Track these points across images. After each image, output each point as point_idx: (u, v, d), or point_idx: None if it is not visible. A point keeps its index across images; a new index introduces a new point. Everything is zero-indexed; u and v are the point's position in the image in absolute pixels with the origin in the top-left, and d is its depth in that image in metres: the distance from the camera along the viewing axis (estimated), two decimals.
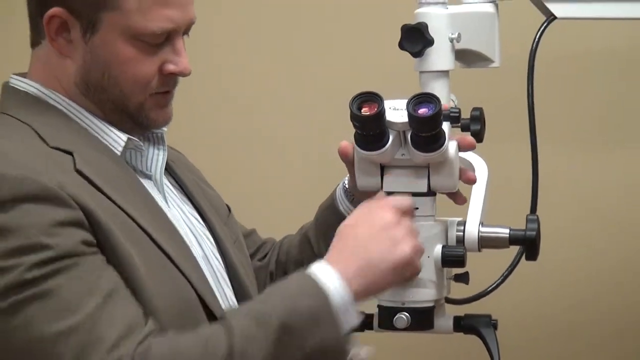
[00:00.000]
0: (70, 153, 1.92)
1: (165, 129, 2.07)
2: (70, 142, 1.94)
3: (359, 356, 1.93)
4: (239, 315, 1.85)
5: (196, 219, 2.12)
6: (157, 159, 2.06)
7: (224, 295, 2.07)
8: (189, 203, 2.13)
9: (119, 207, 1.90)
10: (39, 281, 1.79)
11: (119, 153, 1.99)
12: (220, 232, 2.13)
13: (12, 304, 1.79)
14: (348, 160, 2.09)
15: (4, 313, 1.80)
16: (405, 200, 1.95)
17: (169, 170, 2.12)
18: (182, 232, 2.02)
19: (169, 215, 2.01)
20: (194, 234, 2.07)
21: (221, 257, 2.11)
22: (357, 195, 2.17)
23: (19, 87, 2.00)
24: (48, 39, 1.97)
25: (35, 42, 2.00)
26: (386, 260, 1.89)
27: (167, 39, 1.97)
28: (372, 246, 1.89)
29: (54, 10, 1.95)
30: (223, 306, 2.02)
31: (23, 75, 2.01)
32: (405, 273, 1.91)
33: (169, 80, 1.99)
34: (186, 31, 2.00)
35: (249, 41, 3.08)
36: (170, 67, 1.97)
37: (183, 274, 1.93)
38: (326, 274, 1.86)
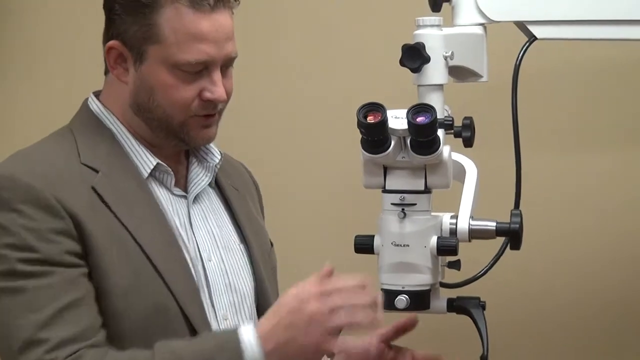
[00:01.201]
0: (96, 170, 1.97)
1: (217, 158, 2.10)
2: (102, 161, 1.99)
3: None
4: (166, 352, 1.86)
5: (235, 240, 2.12)
6: (199, 181, 2.09)
7: (235, 308, 2.07)
8: (234, 226, 2.14)
9: (119, 219, 1.94)
10: (20, 277, 1.87)
11: (145, 174, 2.02)
12: (257, 255, 2.13)
13: (11, 291, 1.88)
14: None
15: None
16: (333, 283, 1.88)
17: (223, 193, 2.15)
18: (201, 246, 2.05)
19: (187, 231, 2.04)
20: (219, 250, 2.08)
21: (252, 275, 2.12)
22: None
23: (89, 105, 2.07)
24: (109, 67, 2.02)
25: (106, 70, 2.05)
26: (294, 343, 1.84)
27: (205, 69, 1.99)
28: (286, 333, 1.85)
29: (112, 42, 2.00)
30: (222, 319, 2.03)
31: (98, 93, 2.07)
32: (309, 354, 1.86)
33: (207, 105, 2.01)
34: (226, 64, 2.02)
35: (267, 60, 3.07)
36: (207, 95, 2.00)
37: (168, 287, 1.94)
38: (248, 335, 1.85)
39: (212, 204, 2.11)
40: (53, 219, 1.89)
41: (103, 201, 1.93)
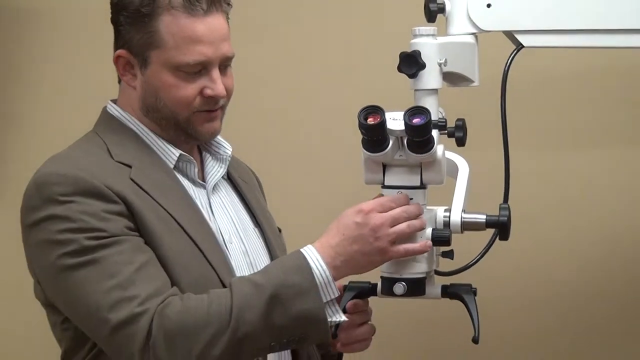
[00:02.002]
0: (129, 166, 2.01)
1: (229, 151, 2.14)
2: (132, 157, 2.04)
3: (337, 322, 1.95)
4: (242, 283, 1.91)
5: (250, 224, 2.17)
6: (214, 172, 2.13)
7: None
8: (247, 212, 2.18)
9: (160, 205, 1.98)
10: (90, 251, 1.89)
11: (171, 165, 2.06)
12: (271, 237, 2.18)
13: (69, 266, 1.90)
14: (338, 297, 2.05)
15: (61, 273, 1.90)
16: (388, 200, 1.98)
17: (235, 184, 2.18)
18: (223, 230, 2.08)
19: (209, 216, 2.07)
20: (239, 233, 2.12)
21: (268, 255, 2.15)
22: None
23: (109, 111, 2.11)
24: (119, 75, 2.06)
25: (119, 79, 2.09)
26: (362, 253, 1.93)
27: (205, 68, 2.03)
28: (355, 245, 1.93)
29: (119, 51, 2.06)
30: None
31: (115, 101, 2.11)
32: (377, 260, 1.96)
33: (209, 101, 2.05)
34: (223, 63, 2.06)
35: (272, 64, 3.08)
36: (208, 92, 2.04)
37: (207, 260, 1.99)
38: (314, 256, 1.92)
39: (228, 193, 2.16)
40: (107, 203, 1.93)
41: (143, 189, 1.98)
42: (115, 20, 2.07)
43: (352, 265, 1.94)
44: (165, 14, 2.00)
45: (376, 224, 1.94)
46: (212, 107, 2.06)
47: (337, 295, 1.93)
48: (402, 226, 1.96)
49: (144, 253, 1.93)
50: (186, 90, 2.03)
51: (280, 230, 2.29)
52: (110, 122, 2.10)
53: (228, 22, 2.09)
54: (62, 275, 1.92)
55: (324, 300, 1.91)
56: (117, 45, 2.07)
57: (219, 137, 2.16)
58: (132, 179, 1.99)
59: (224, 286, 1.98)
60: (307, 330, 1.91)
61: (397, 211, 1.97)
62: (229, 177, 2.20)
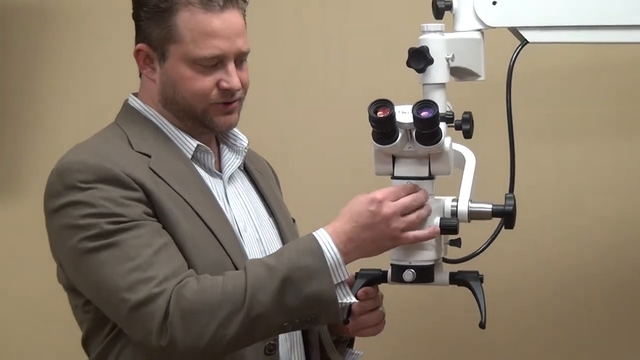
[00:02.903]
0: (148, 156, 2.03)
1: (245, 143, 2.15)
2: (151, 147, 2.05)
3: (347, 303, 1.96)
4: (256, 265, 1.93)
5: (265, 214, 2.18)
6: (231, 163, 2.15)
7: None
8: (262, 202, 2.19)
9: (177, 193, 2.00)
10: (110, 235, 1.91)
11: (189, 155, 2.08)
12: (285, 227, 2.19)
13: (90, 249, 1.92)
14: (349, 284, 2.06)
15: (82, 256, 1.93)
16: (399, 189, 1.99)
17: (251, 175, 2.20)
18: (238, 218, 2.10)
19: (225, 205, 2.09)
20: (254, 222, 2.14)
21: (282, 244, 2.16)
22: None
23: (130, 104, 2.13)
24: (139, 68, 2.07)
25: (140, 72, 2.11)
26: (373, 240, 1.96)
27: (221, 62, 2.04)
28: (367, 232, 1.95)
29: (139, 45, 2.07)
30: None
31: (136, 94, 2.12)
32: (388, 245, 1.98)
33: (225, 94, 2.06)
34: (238, 57, 2.07)
35: (287, 64, 3.10)
36: (224, 84, 2.05)
37: (222, 246, 2.01)
38: (325, 240, 1.93)
39: (244, 184, 2.17)
40: (126, 190, 1.95)
41: (161, 178, 2.00)
42: (136, 16, 2.09)
43: (362, 251, 1.96)
44: (183, 10, 2.02)
45: (388, 213, 1.95)
46: (228, 99, 2.07)
47: (347, 277, 1.95)
48: (412, 216, 1.98)
49: (162, 237, 1.95)
50: (203, 83, 2.04)
51: (294, 221, 2.30)
52: (131, 114, 2.12)
53: (244, 18, 2.10)
54: (84, 258, 1.94)
55: (335, 282, 1.92)
56: (138, 39, 2.09)
57: (235, 129, 2.17)
58: (151, 168, 2.01)
59: (235, 267, 2.00)
60: (318, 311, 1.92)
61: (407, 199, 1.98)
62: (245, 169, 2.22)
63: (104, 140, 2.07)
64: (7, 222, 3.23)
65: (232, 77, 2.05)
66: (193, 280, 1.92)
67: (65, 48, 3.20)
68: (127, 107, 2.14)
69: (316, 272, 1.91)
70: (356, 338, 2.27)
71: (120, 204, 1.94)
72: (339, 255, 1.93)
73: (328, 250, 1.93)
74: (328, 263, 1.92)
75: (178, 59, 2.04)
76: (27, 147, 3.19)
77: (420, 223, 1.99)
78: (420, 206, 2.00)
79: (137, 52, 2.09)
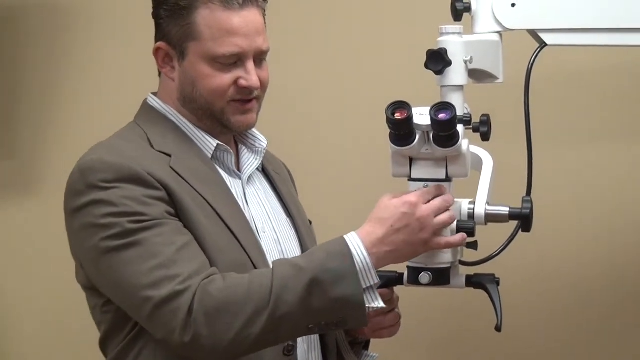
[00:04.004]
0: (169, 155, 2.02)
1: (264, 144, 2.15)
2: (172, 146, 2.04)
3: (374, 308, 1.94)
4: (284, 265, 1.91)
5: (283, 215, 2.17)
6: (250, 164, 2.14)
7: None
8: (280, 203, 2.18)
9: (198, 192, 1.99)
10: (132, 234, 1.90)
11: (209, 155, 2.07)
12: (302, 228, 2.18)
13: (112, 248, 1.91)
14: None
15: (104, 255, 1.91)
16: (428, 192, 1.98)
17: (269, 176, 2.19)
18: (256, 218, 2.09)
19: (244, 205, 2.08)
20: (272, 222, 2.13)
21: (299, 244, 2.16)
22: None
23: (150, 103, 2.12)
24: (158, 67, 2.07)
25: (159, 71, 2.10)
26: (407, 243, 1.94)
27: (240, 60, 2.04)
28: (401, 235, 1.93)
29: (159, 44, 2.07)
30: None
31: (155, 94, 2.11)
32: (420, 250, 1.96)
33: (243, 91, 2.05)
34: (258, 56, 2.06)
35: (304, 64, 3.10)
36: (242, 82, 2.04)
37: (241, 245, 2.00)
38: (355, 243, 1.91)
39: (262, 184, 2.17)
40: (148, 189, 1.94)
41: (182, 178, 1.98)
42: (155, 14, 2.08)
43: (395, 255, 1.94)
44: (202, 7, 2.02)
45: (423, 215, 1.94)
46: (246, 96, 2.06)
47: (376, 282, 1.92)
48: (445, 217, 1.96)
49: (184, 235, 1.94)
50: (222, 80, 2.03)
51: (310, 222, 2.29)
52: (150, 113, 2.11)
53: (264, 18, 2.09)
54: (106, 257, 1.92)
55: (363, 287, 1.90)
56: (157, 38, 2.08)
57: (254, 130, 2.16)
58: (171, 167, 2.00)
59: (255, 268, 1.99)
60: (345, 314, 1.90)
61: (438, 201, 1.96)
62: (263, 170, 2.21)
63: (125, 140, 2.06)
64: (26, 222, 3.23)
65: (251, 75, 2.04)
66: (219, 277, 1.91)
67: (84, 48, 3.21)
68: (146, 107, 2.13)
69: (344, 275, 1.89)
70: (372, 340, 2.25)
71: (142, 203, 1.93)
72: (368, 260, 1.91)
73: (358, 254, 1.91)
74: (357, 267, 1.90)
75: (197, 56, 2.04)
76: (45, 147, 3.20)
77: (451, 224, 1.98)
78: (449, 208, 1.98)
79: (156, 51, 2.08)
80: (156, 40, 2.09)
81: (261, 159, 2.17)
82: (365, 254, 1.91)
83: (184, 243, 1.93)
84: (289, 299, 1.87)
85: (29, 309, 3.26)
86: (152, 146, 2.04)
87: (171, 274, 1.89)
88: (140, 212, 1.92)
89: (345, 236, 1.94)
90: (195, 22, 2.02)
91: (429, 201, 1.96)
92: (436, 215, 1.95)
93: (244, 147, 2.17)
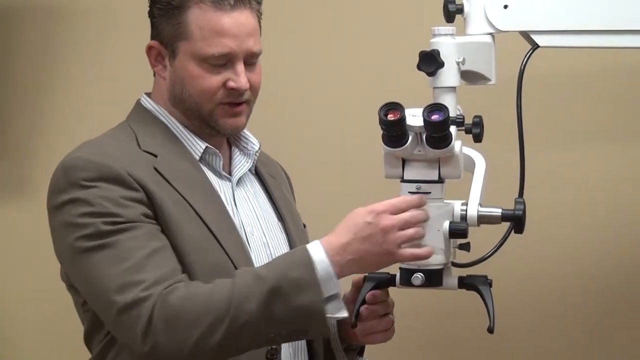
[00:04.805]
0: (155, 155, 2.01)
1: (256, 147, 2.13)
2: (159, 147, 2.04)
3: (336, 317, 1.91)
4: (246, 273, 1.89)
5: (274, 218, 2.15)
6: (241, 166, 2.12)
7: None
8: (272, 207, 2.16)
9: (179, 193, 1.97)
10: (106, 235, 1.89)
11: (197, 157, 2.05)
12: (293, 232, 2.16)
13: (85, 248, 1.90)
14: (357, 288, 2.09)
15: (77, 255, 1.91)
16: (400, 202, 1.95)
17: (262, 179, 2.17)
18: (245, 221, 2.07)
19: (232, 208, 2.06)
20: (261, 225, 2.11)
21: (289, 248, 2.13)
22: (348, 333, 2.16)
23: (142, 103, 2.12)
24: (151, 65, 2.06)
25: (154, 71, 2.09)
26: (370, 253, 1.91)
27: (230, 61, 2.02)
28: (365, 245, 1.90)
29: (151, 42, 2.07)
30: None
31: (149, 94, 2.11)
32: (385, 260, 1.93)
33: (232, 93, 2.03)
34: (248, 58, 2.05)
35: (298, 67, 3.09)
36: (231, 84, 2.03)
37: (223, 248, 1.98)
38: (318, 251, 1.89)
39: (254, 187, 2.15)
40: (127, 190, 1.93)
41: (164, 179, 1.97)
42: (150, 13, 2.08)
43: (359, 265, 1.91)
44: (194, 7, 2.01)
45: (387, 225, 1.91)
46: (235, 99, 2.05)
47: (339, 291, 1.90)
48: (410, 231, 1.93)
49: (157, 240, 1.92)
50: (210, 81, 2.02)
51: (304, 226, 2.27)
52: (143, 113, 2.10)
53: (259, 20, 2.08)
54: (78, 257, 1.92)
55: (325, 296, 1.87)
56: (151, 37, 2.08)
57: (247, 132, 2.15)
58: (155, 168, 1.99)
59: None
60: (306, 323, 1.88)
61: (407, 215, 1.93)
62: (256, 172, 2.20)
63: (112, 139, 2.06)
64: (20, 223, 3.21)
65: (240, 77, 2.03)
66: (182, 286, 1.89)
67: (78, 48, 3.20)
68: (138, 107, 2.12)
69: (305, 284, 1.86)
70: (367, 347, 2.23)
71: (119, 204, 1.92)
72: (330, 268, 1.88)
73: (319, 263, 1.88)
74: (318, 275, 1.87)
75: (187, 56, 2.03)
76: (38, 148, 3.19)
77: (418, 240, 1.95)
78: (420, 222, 1.95)
79: (149, 49, 2.08)
80: (150, 39, 2.08)
81: (253, 162, 2.16)
82: (327, 262, 1.88)
83: (156, 248, 1.91)
84: (249, 308, 1.85)
85: (22, 308, 3.25)
86: (139, 146, 2.03)
87: (136, 280, 1.87)
88: (116, 213, 1.91)
89: (307, 245, 1.92)
90: (187, 22, 2.01)
91: (399, 212, 1.93)
92: (401, 229, 1.92)
93: (236, 150, 2.16)
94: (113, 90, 3.12)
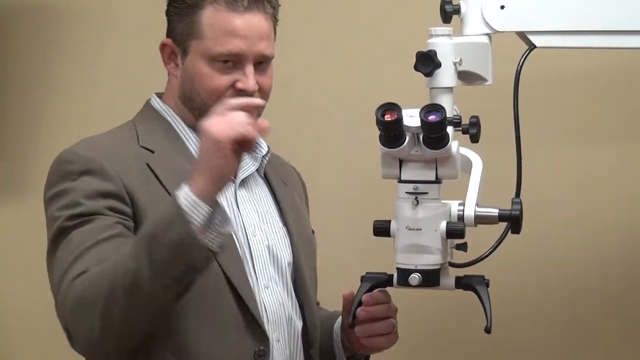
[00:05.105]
0: (152, 151, 2.01)
1: (264, 150, 2.12)
2: (158, 143, 2.04)
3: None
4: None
5: (279, 222, 2.14)
6: (247, 168, 2.11)
7: (275, 279, 2.08)
8: (278, 211, 2.15)
9: (168, 192, 1.95)
10: (68, 232, 1.91)
11: (196, 155, 2.03)
12: (296, 237, 2.14)
13: (49, 250, 1.95)
14: (348, 302, 2.08)
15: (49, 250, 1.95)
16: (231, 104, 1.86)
17: (270, 183, 2.16)
18: (247, 222, 2.06)
19: (233, 208, 2.06)
20: (264, 227, 2.10)
21: (291, 252, 2.12)
22: (349, 337, 2.16)
23: (151, 103, 2.12)
24: (164, 63, 2.07)
25: (167, 69, 2.11)
26: (217, 166, 1.81)
27: (240, 62, 2.03)
28: (206, 157, 1.82)
29: (165, 40, 2.10)
30: (263, 287, 2.04)
31: (160, 94, 2.12)
32: (225, 149, 1.80)
33: (240, 94, 2.02)
34: (258, 60, 2.04)
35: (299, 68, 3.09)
36: (239, 85, 2.03)
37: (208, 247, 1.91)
38: (181, 189, 1.82)
39: (261, 191, 2.14)
40: (105, 182, 1.93)
41: (156, 177, 1.97)
42: (167, 12, 2.10)
43: (212, 174, 1.81)
44: (208, 7, 2.03)
45: (216, 132, 1.81)
46: None
47: (208, 211, 1.80)
48: (239, 129, 1.81)
49: (110, 230, 1.91)
50: (219, 81, 2.03)
51: (313, 232, 2.26)
52: (148, 112, 2.11)
53: (274, 24, 2.09)
54: (47, 256, 1.97)
55: (197, 222, 1.79)
56: (166, 35, 2.10)
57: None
58: (148, 164, 1.99)
59: (225, 275, 1.96)
60: (188, 257, 1.80)
61: (232, 115, 1.83)
62: (267, 177, 2.19)
63: (110, 135, 2.08)
64: (17, 223, 3.21)
65: (248, 79, 2.03)
66: (86, 273, 1.87)
67: (75, 49, 3.19)
68: (147, 106, 2.14)
69: (172, 218, 1.79)
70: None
71: (88, 196, 1.93)
72: (190, 193, 1.80)
73: (181, 194, 1.81)
74: (183, 205, 1.79)
75: (198, 55, 2.04)
76: (36, 148, 3.19)
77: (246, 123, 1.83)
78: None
79: (162, 47, 2.10)
80: (166, 37, 2.10)
81: (258, 165, 2.15)
82: (187, 189, 1.81)
83: (102, 238, 1.90)
84: (133, 265, 1.81)
85: (21, 308, 3.25)
86: (139, 142, 2.03)
87: (70, 269, 1.89)
88: (82, 203, 1.92)
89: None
90: (200, 21, 2.03)
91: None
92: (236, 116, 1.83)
93: (246, 152, 2.15)
94: (113, 90, 3.12)
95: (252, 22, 2.03)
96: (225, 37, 2.01)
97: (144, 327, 1.88)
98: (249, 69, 2.03)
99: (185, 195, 1.80)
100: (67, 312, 1.87)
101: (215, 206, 1.82)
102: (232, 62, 2.03)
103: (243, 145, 1.82)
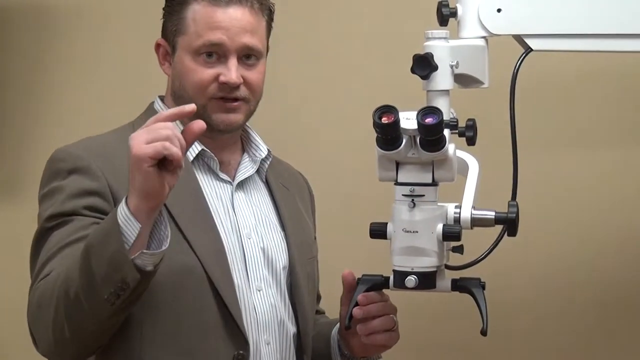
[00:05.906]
0: None
1: (263, 154, 2.12)
2: None
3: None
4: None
5: (277, 226, 2.13)
6: (245, 171, 2.11)
7: (269, 282, 2.07)
8: (277, 216, 2.14)
9: None
10: (47, 234, 1.93)
11: (190, 157, 2.05)
12: (292, 242, 2.13)
13: (38, 246, 1.95)
14: (347, 282, 2.08)
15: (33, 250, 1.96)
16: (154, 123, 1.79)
17: (270, 188, 2.15)
18: (242, 225, 2.06)
19: (228, 210, 2.05)
20: (260, 231, 2.09)
21: (287, 256, 2.12)
22: (346, 338, 2.16)
23: (153, 106, 2.13)
24: (159, 63, 2.08)
25: (162, 69, 2.12)
26: (140, 184, 1.78)
27: (224, 56, 2.03)
28: (131, 174, 1.78)
29: (158, 40, 2.12)
30: (255, 289, 2.04)
31: (162, 97, 2.13)
32: (142, 166, 1.75)
33: (223, 88, 2.04)
34: (242, 53, 2.05)
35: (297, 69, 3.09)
36: (222, 78, 2.04)
37: (192, 249, 1.95)
38: (122, 202, 1.81)
39: (260, 194, 2.13)
40: (90, 180, 1.93)
41: None
42: (163, 13, 2.12)
43: (138, 187, 1.77)
44: (193, 3, 2.05)
45: (136, 151, 1.76)
46: (227, 94, 2.04)
47: (138, 225, 1.77)
48: (157, 147, 1.75)
49: (83, 230, 1.90)
50: (202, 75, 2.03)
51: (315, 238, 2.26)
52: (149, 113, 2.10)
53: (266, 20, 2.10)
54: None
55: (132, 235, 1.77)
56: (161, 35, 2.12)
57: (256, 139, 2.15)
58: None
59: (208, 277, 1.95)
60: (121, 272, 1.78)
61: (153, 133, 1.76)
62: (267, 182, 2.18)
63: (107, 136, 2.09)
64: (13, 226, 3.20)
65: (231, 72, 2.04)
66: (45, 279, 1.89)
67: (71, 51, 3.19)
68: (148, 107, 2.15)
69: (109, 231, 1.78)
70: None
71: (70, 196, 1.94)
72: (125, 207, 1.78)
73: (120, 208, 1.79)
74: (119, 219, 1.78)
75: (184, 50, 2.06)
76: (33, 148, 3.18)
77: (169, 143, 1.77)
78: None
79: (157, 47, 2.12)
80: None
81: (256, 168, 2.14)
82: (123, 204, 1.79)
83: (74, 239, 1.90)
84: (75, 275, 1.80)
85: (21, 308, 3.22)
86: None
87: (40, 270, 1.91)
88: (62, 203, 1.93)
89: None
90: (185, 17, 2.05)
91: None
92: (149, 142, 1.75)
93: (246, 155, 2.15)
94: (110, 91, 3.11)
95: (234, 14, 2.05)
96: (206, 30, 2.03)
97: (95, 337, 1.88)
98: (232, 62, 2.04)
99: (121, 209, 1.79)
100: (29, 315, 1.91)
101: (147, 224, 1.78)
102: (217, 55, 2.05)
103: (165, 163, 1.76)
